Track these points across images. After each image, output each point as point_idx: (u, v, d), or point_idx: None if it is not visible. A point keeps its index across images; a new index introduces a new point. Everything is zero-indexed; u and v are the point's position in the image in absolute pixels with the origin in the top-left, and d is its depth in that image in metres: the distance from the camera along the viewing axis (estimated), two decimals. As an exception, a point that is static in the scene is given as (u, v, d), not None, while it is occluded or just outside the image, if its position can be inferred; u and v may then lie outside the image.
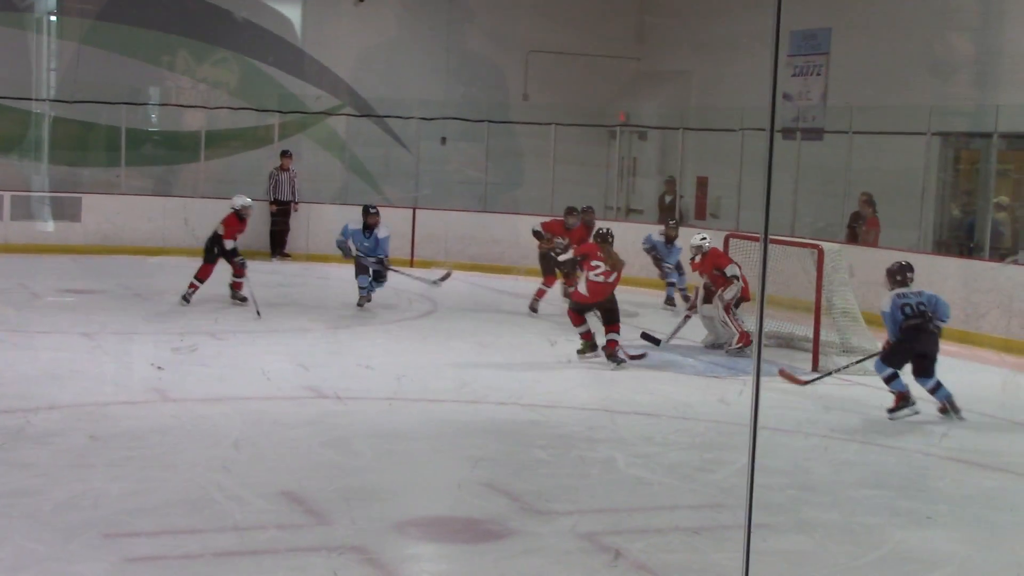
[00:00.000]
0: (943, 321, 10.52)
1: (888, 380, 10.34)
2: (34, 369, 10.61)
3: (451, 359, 12.11)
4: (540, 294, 15.36)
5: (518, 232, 18.40)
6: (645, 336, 13.36)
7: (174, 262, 19.29)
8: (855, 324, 12.73)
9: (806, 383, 11.26)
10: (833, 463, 8.92)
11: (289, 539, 6.55)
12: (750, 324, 12.93)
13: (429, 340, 12.95)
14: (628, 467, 8.39)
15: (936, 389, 10.32)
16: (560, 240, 15.19)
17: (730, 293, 13.13)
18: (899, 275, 10.72)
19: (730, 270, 13.19)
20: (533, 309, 15.21)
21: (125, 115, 21.27)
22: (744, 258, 13.57)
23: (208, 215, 20.34)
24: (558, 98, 23.00)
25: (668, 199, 21.20)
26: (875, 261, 15.78)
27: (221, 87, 22.73)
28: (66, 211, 20.10)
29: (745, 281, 13.21)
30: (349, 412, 9.59)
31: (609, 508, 7.53)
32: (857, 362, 11.69)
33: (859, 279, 14.27)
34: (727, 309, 13.13)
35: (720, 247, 13.67)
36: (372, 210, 15.02)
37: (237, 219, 14.73)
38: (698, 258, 13.50)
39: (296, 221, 20.49)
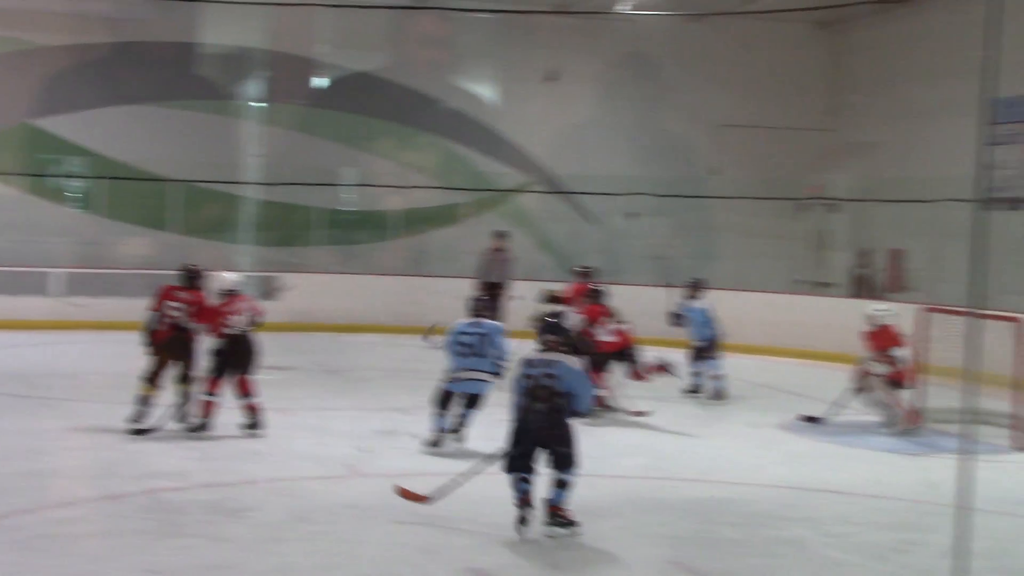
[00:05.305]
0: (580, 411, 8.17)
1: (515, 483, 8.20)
2: (231, 444, 10.89)
3: (639, 437, 12.06)
4: None
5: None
6: (807, 419, 12.96)
7: (369, 339, 19.74)
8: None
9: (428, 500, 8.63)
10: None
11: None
12: (920, 401, 12.54)
13: (619, 418, 12.82)
14: (821, 547, 8.18)
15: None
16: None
17: (880, 369, 12.66)
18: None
19: (899, 352, 12.66)
20: None
21: (320, 196, 22.08)
22: (943, 332, 13.11)
23: (401, 292, 20.87)
24: (749, 172, 22.86)
25: (861, 272, 20.80)
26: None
27: (425, 171, 23.32)
28: (265, 290, 20.77)
29: (907, 365, 12.64)
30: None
31: (801, 590, 7.35)
32: None
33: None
34: (883, 388, 12.65)
35: (917, 321, 13.08)
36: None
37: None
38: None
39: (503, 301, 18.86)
